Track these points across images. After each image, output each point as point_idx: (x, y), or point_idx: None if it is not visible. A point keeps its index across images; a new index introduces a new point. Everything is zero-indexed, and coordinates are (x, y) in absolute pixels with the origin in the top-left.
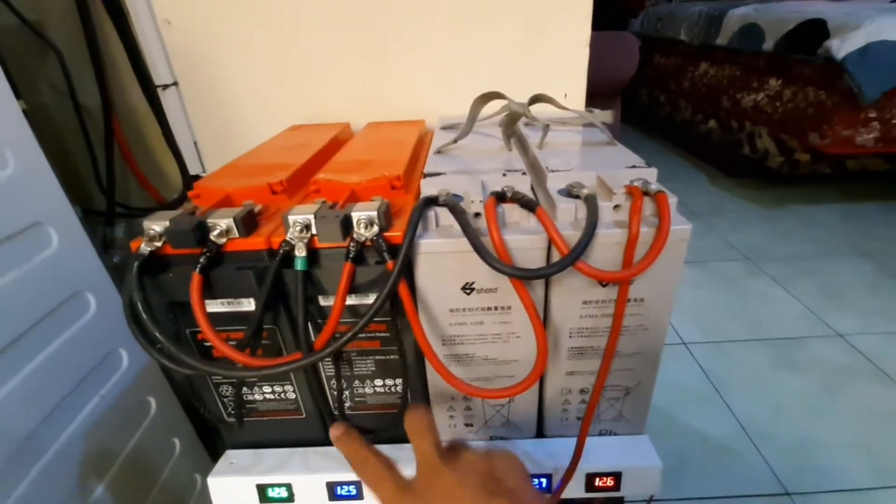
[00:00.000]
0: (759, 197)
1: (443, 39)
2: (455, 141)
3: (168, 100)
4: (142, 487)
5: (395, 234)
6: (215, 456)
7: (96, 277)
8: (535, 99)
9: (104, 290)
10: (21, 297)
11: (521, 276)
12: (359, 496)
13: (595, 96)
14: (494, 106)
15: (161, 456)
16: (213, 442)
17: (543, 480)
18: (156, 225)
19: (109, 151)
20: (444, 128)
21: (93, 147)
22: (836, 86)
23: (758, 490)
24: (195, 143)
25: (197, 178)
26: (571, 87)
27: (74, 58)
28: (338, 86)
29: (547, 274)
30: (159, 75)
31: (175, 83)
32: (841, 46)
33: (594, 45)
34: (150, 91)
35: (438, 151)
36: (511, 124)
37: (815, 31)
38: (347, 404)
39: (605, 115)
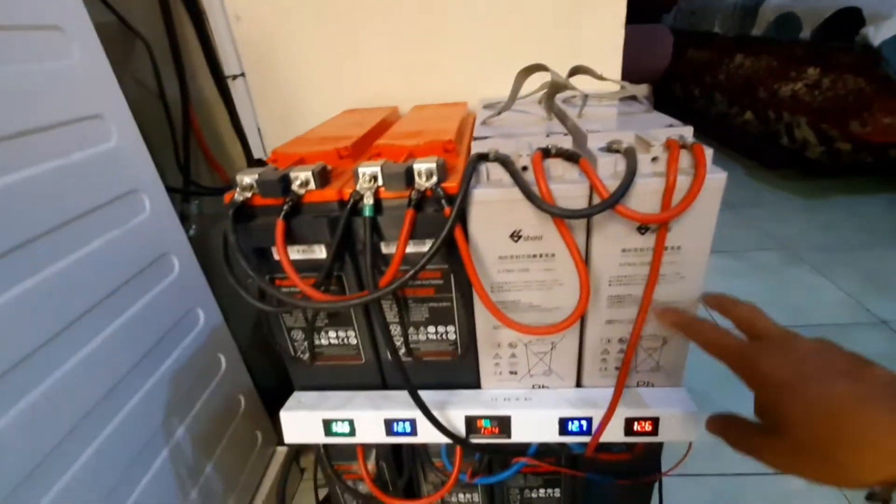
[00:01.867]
0: (799, 188)
1: (483, 26)
2: (499, 113)
3: (236, 89)
4: (213, 437)
5: (452, 184)
6: (274, 420)
7: (179, 243)
8: (575, 71)
9: (185, 255)
10: (121, 254)
11: (565, 216)
12: (413, 433)
13: None
14: (533, 86)
15: (229, 410)
16: (270, 407)
17: (584, 423)
18: (247, 177)
19: (186, 136)
20: (486, 106)
21: (175, 131)
22: (875, 73)
23: None
24: (259, 130)
25: (260, 161)
26: (607, 68)
27: (156, 52)
28: (386, 73)
29: (589, 213)
30: (229, 67)
31: (242, 74)
32: (877, 34)
33: (627, 39)
34: (221, 81)
35: (484, 122)
36: (552, 96)
37: (851, 18)
38: (403, 350)
39: (641, 89)
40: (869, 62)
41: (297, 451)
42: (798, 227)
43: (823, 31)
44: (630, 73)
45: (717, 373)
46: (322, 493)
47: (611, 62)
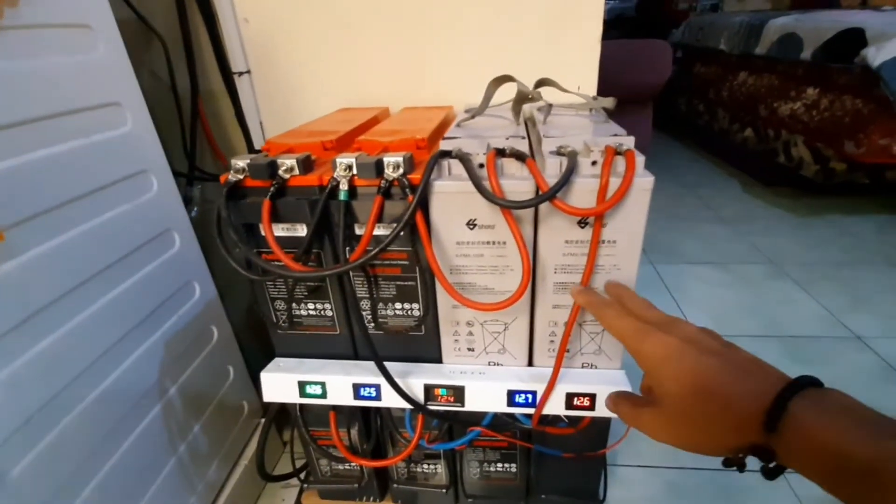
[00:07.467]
0: (793, 206)
1: (473, 38)
2: (472, 116)
3: (242, 85)
4: (202, 400)
5: (416, 176)
6: (261, 394)
7: (181, 221)
8: (541, 83)
9: (185, 232)
10: (129, 226)
11: (508, 206)
12: (377, 397)
13: (628, 102)
14: (511, 94)
15: (218, 378)
16: (259, 384)
17: (529, 395)
18: (240, 161)
19: (194, 126)
20: (466, 111)
21: (183, 121)
22: (873, 94)
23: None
24: (260, 123)
25: (259, 152)
26: (584, 79)
27: (171, 49)
28: (381, 76)
29: (528, 205)
30: (236, 64)
31: (248, 71)
32: (877, 54)
33: (627, 53)
34: (229, 77)
35: (458, 125)
36: (519, 103)
37: (853, 39)
38: (373, 324)
39: (607, 102)
40: (867, 83)
41: (280, 425)
42: (787, 243)
43: (824, 52)
44: (630, 85)
45: None
46: (299, 463)
47: (588, 75)
